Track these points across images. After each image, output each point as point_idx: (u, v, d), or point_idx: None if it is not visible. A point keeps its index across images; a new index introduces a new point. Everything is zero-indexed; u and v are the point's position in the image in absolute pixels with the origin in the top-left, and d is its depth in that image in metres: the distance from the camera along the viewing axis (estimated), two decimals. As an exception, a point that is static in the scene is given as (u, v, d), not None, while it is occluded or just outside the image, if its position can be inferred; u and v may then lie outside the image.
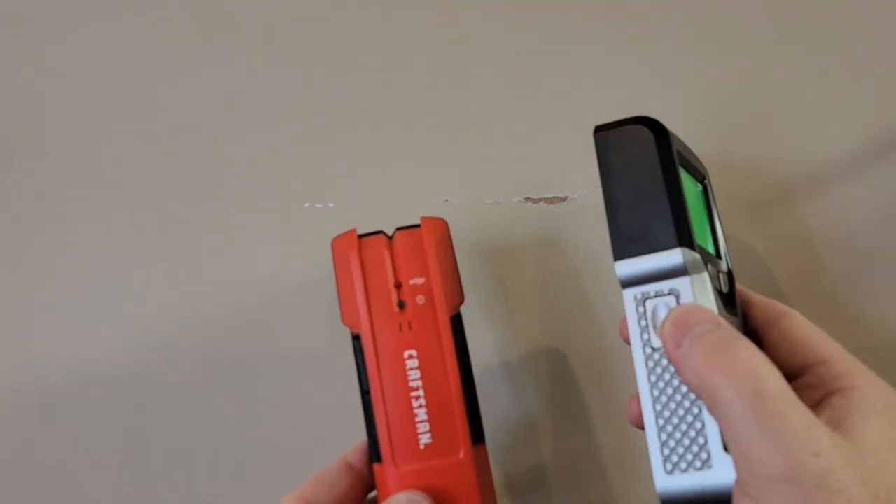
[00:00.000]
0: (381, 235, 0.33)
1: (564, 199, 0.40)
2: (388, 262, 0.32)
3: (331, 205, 0.40)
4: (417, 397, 0.31)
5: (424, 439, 0.31)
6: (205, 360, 0.42)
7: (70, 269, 0.41)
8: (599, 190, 0.39)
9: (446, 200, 0.40)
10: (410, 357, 0.31)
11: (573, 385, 0.41)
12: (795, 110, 0.38)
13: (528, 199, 0.40)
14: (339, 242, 0.33)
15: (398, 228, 0.33)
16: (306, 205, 0.40)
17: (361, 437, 0.32)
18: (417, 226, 0.33)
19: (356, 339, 0.32)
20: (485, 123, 0.39)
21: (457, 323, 0.32)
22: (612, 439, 0.41)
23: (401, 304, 0.32)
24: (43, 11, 0.40)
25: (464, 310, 0.33)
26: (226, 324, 0.41)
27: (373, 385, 0.31)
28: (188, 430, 0.42)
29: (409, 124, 0.40)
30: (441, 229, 0.33)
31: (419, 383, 0.31)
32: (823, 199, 0.38)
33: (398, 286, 0.32)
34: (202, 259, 0.41)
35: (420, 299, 0.32)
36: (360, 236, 0.33)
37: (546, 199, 0.40)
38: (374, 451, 0.31)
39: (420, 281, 0.32)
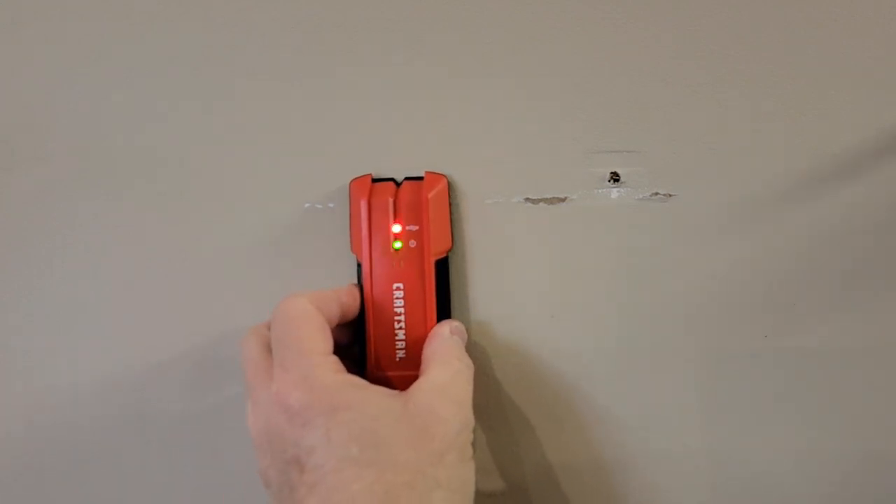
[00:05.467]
0: (390, 183, 0.39)
1: (564, 199, 0.39)
2: (390, 208, 0.38)
3: (331, 205, 0.40)
4: (399, 321, 0.38)
5: (400, 354, 0.38)
6: (204, 360, 0.42)
7: (70, 270, 0.41)
8: (599, 190, 0.39)
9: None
10: (398, 289, 0.38)
11: (572, 385, 0.41)
12: (795, 110, 0.38)
13: (527, 199, 0.40)
14: (355, 184, 0.39)
15: (406, 178, 0.39)
16: (306, 205, 0.40)
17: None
18: (421, 178, 0.39)
19: (360, 266, 0.38)
20: (485, 123, 0.39)
21: (440, 266, 0.38)
22: (606, 440, 0.41)
23: (397, 244, 0.37)
24: (43, 11, 0.40)
25: (461, 307, 0.36)
26: (225, 324, 0.41)
27: (366, 305, 0.38)
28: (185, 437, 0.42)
29: (408, 124, 0.40)
30: (440, 184, 0.38)
31: (402, 310, 0.37)
32: (824, 199, 0.38)
33: (397, 229, 0.37)
34: (202, 259, 0.41)
35: (412, 243, 0.37)
36: (374, 180, 0.38)
37: (546, 199, 0.40)
38: (361, 358, 0.38)
39: (414, 228, 0.37)
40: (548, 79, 0.39)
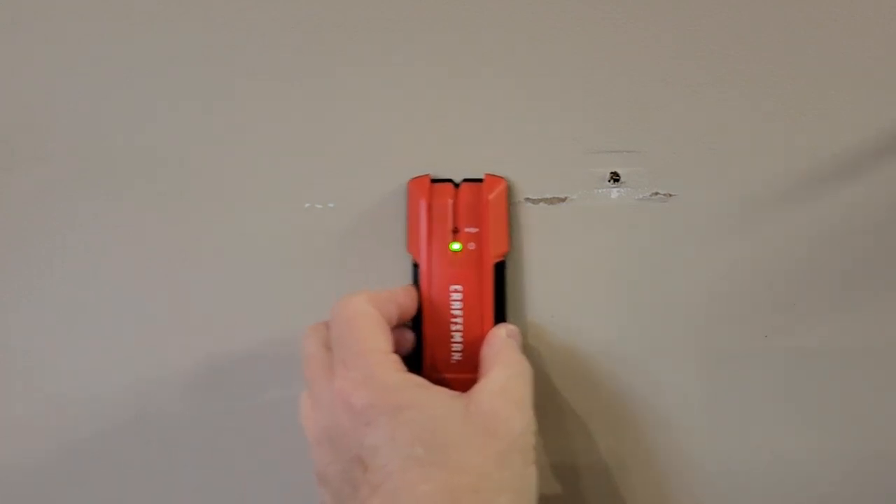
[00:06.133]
0: (449, 184, 0.38)
1: (564, 199, 0.39)
2: (450, 209, 0.37)
3: (331, 205, 0.40)
4: (456, 323, 0.37)
5: (456, 356, 0.37)
6: (203, 360, 0.41)
7: (70, 270, 0.41)
8: (599, 190, 0.39)
9: (446, 200, 0.40)
10: (455, 290, 0.37)
11: (572, 384, 0.41)
12: (795, 110, 0.38)
13: (527, 199, 0.40)
14: (414, 184, 0.38)
15: (465, 180, 0.38)
16: (306, 205, 0.40)
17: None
18: (480, 180, 0.38)
19: (416, 266, 0.38)
20: (485, 123, 0.39)
21: (499, 269, 0.38)
22: (608, 440, 0.41)
23: (455, 246, 0.37)
24: (43, 11, 0.40)
25: (514, 310, 0.38)
26: (225, 323, 0.41)
27: (423, 306, 0.38)
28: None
29: (409, 124, 0.40)
30: (499, 186, 0.38)
31: (460, 312, 0.37)
32: (824, 199, 0.38)
33: (455, 231, 0.37)
34: (202, 259, 0.41)
35: (471, 245, 0.37)
36: (432, 181, 0.38)
37: (546, 199, 0.40)
38: (416, 358, 0.38)
39: (474, 230, 0.37)
40: (548, 79, 0.39)
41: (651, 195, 0.39)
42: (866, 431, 0.40)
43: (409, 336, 0.38)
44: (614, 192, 0.39)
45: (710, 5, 0.38)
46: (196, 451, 0.42)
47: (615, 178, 0.39)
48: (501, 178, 0.38)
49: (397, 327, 0.36)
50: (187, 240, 0.41)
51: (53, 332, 0.42)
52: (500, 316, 0.38)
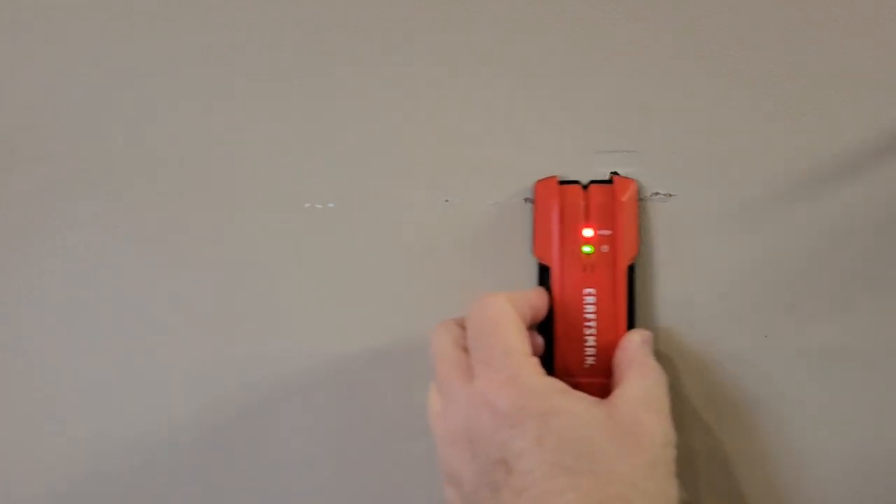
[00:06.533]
0: (577, 186, 0.38)
1: (564, 199, 0.39)
2: (582, 211, 0.37)
3: (331, 205, 0.40)
4: (590, 327, 0.37)
5: (589, 360, 0.37)
6: (202, 360, 0.41)
7: (69, 270, 0.41)
8: (599, 190, 0.38)
9: (446, 201, 0.40)
10: (589, 294, 0.37)
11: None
12: (795, 110, 0.38)
13: (527, 199, 0.40)
14: (542, 186, 0.38)
15: (592, 181, 0.38)
16: (306, 205, 0.40)
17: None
18: (609, 181, 0.38)
19: (545, 269, 0.37)
20: (485, 123, 0.39)
21: (630, 272, 0.37)
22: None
23: (587, 249, 0.37)
24: (43, 11, 0.40)
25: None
26: (224, 323, 0.41)
27: (555, 310, 0.37)
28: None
29: (409, 124, 0.40)
30: (632, 189, 0.38)
31: (594, 317, 0.37)
32: (824, 199, 0.38)
33: (588, 233, 0.37)
34: (202, 259, 0.41)
35: (605, 248, 0.37)
36: (560, 182, 0.38)
37: (546, 199, 0.39)
38: (547, 363, 0.37)
39: (607, 232, 0.37)
40: (548, 79, 0.39)
41: (651, 195, 0.39)
42: (867, 432, 0.40)
43: (539, 340, 0.37)
44: (614, 192, 0.39)
45: (710, 5, 0.38)
46: (196, 453, 0.42)
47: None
48: (631, 179, 0.38)
49: (528, 330, 0.36)
50: (187, 240, 0.41)
51: (53, 332, 0.42)
52: (630, 321, 0.37)
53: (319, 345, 0.41)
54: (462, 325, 0.36)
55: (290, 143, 0.40)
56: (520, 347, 0.33)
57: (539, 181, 0.38)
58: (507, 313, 0.33)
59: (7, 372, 0.42)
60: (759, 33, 0.38)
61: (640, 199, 0.38)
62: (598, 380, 0.37)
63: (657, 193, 0.39)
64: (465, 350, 0.34)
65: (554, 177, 0.38)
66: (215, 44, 0.40)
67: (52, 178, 0.41)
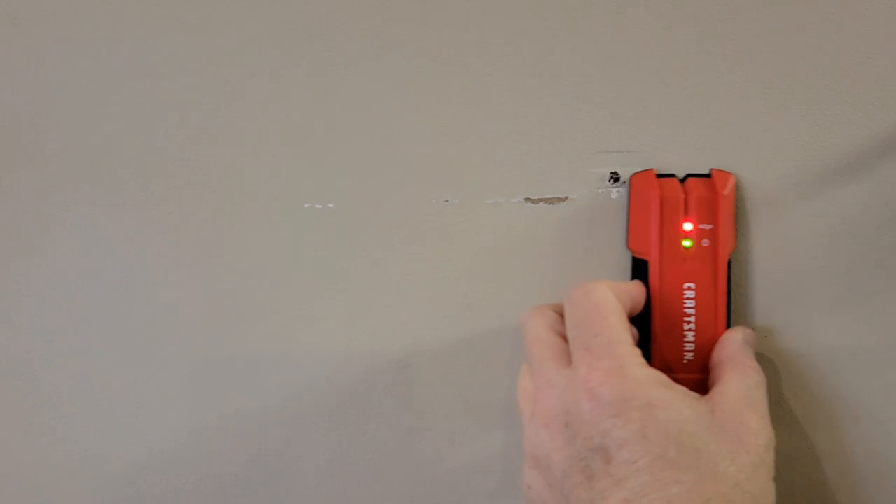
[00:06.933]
0: (675, 179, 0.37)
1: (564, 199, 0.39)
2: (682, 204, 0.36)
3: (331, 205, 0.40)
4: (689, 322, 0.36)
5: (688, 356, 0.37)
6: (201, 361, 0.41)
7: (70, 271, 0.41)
8: (599, 190, 0.39)
9: (446, 201, 0.40)
10: (689, 289, 0.36)
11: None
12: (795, 109, 0.38)
13: (528, 199, 0.40)
14: (639, 178, 0.38)
15: (689, 175, 0.37)
16: (306, 205, 0.40)
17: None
18: (706, 175, 0.37)
19: (642, 263, 0.37)
20: (485, 123, 0.39)
21: (729, 267, 0.37)
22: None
23: (687, 243, 0.36)
24: (43, 11, 0.40)
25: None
26: (224, 323, 0.41)
27: (653, 304, 0.37)
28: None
29: (409, 124, 0.40)
30: (731, 183, 0.37)
31: (692, 311, 0.36)
32: (824, 199, 0.38)
33: (688, 227, 0.36)
34: (202, 260, 0.41)
35: (705, 242, 0.36)
36: (657, 175, 0.37)
37: (546, 199, 0.40)
38: (644, 357, 0.35)
39: (708, 226, 0.36)
40: (547, 79, 0.39)
41: (651, 195, 0.39)
42: (867, 432, 0.40)
43: (634, 332, 0.37)
44: (614, 192, 0.39)
45: (710, 5, 0.38)
46: (195, 453, 0.42)
47: (615, 178, 0.39)
48: (729, 173, 0.38)
49: None
50: (186, 240, 0.41)
51: (53, 332, 0.42)
52: (729, 315, 0.37)
53: (319, 345, 0.41)
54: (557, 311, 0.36)
55: (290, 143, 0.40)
56: (625, 337, 0.33)
57: (635, 174, 0.38)
58: (611, 301, 0.33)
59: (6, 372, 0.42)
60: (760, 33, 0.38)
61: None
62: (695, 376, 0.36)
63: (657, 193, 0.39)
64: (560, 335, 0.34)
65: (651, 169, 0.38)
66: (215, 43, 0.40)
67: (51, 177, 0.41)
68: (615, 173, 0.39)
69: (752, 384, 0.33)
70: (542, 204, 0.40)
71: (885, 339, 0.39)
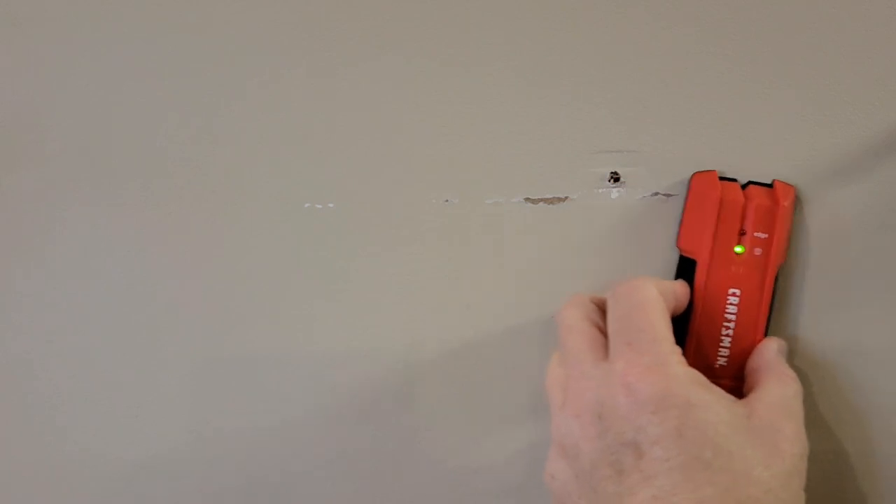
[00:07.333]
0: (736, 184, 0.37)
1: (564, 199, 0.39)
2: (741, 210, 0.36)
3: (331, 205, 0.40)
4: (728, 328, 0.36)
5: (721, 361, 0.37)
6: (201, 361, 0.41)
7: (70, 271, 0.41)
8: (599, 190, 0.39)
9: (446, 201, 0.40)
10: (733, 294, 0.36)
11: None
12: (795, 110, 0.38)
13: (528, 199, 0.40)
14: (700, 178, 0.37)
15: (751, 182, 0.37)
16: (306, 205, 0.40)
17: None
18: (768, 185, 0.37)
19: (689, 263, 0.37)
20: (485, 123, 0.39)
21: (777, 279, 0.37)
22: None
23: (739, 249, 0.36)
24: (43, 11, 0.40)
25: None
26: (224, 323, 0.41)
27: (695, 305, 0.37)
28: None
29: (409, 124, 0.40)
30: (792, 195, 0.37)
31: (733, 317, 0.36)
32: (824, 199, 0.38)
33: (742, 233, 0.36)
34: (201, 260, 0.41)
35: (757, 251, 0.36)
36: (720, 178, 0.37)
37: (546, 199, 0.40)
38: None
39: (763, 236, 0.36)
40: (547, 79, 0.39)
41: (651, 195, 0.39)
42: (866, 432, 0.40)
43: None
44: (614, 191, 0.39)
45: (710, 5, 0.38)
46: (195, 451, 0.42)
47: (615, 178, 0.39)
48: (791, 185, 0.37)
49: None
50: (186, 240, 0.41)
51: (54, 332, 0.42)
52: (768, 326, 0.37)
53: (319, 345, 0.41)
54: (597, 303, 0.36)
55: (290, 143, 0.40)
56: (667, 335, 0.33)
57: (697, 173, 0.38)
58: (656, 299, 0.33)
59: (6, 372, 0.42)
60: (760, 33, 0.38)
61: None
62: (726, 381, 0.36)
63: (657, 193, 0.39)
64: (598, 327, 0.34)
65: (713, 171, 0.37)
66: (215, 43, 0.40)
67: (51, 178, 0.41)
68: (615, 173, 0.39)
69: (791, 393, 0.34)
70: (541, 204, 0.40)
71: (887, 339, 0.39)
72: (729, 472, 0.29)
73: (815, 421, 0.39)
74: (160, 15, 0.39)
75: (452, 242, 0.40)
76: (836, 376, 0.39)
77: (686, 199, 0.38)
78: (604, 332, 0.34)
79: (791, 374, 0.35)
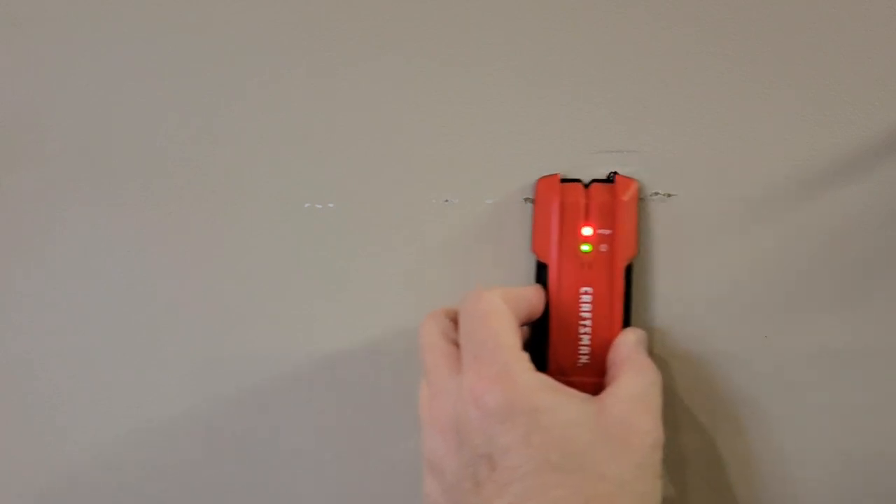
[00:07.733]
0: (579, 184, 0.38)
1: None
2: (582, 210, 0.37)
3: (331, 205, 0.40)
4: (585, 326, 0.37)
5: (583, 359, 0.37)
6: (201, 360, 0.42)
7: (70, 271, 0.41)
8: (599, 190, 0.38)
9: (446, 201, 0.40)
10: (585, 293, 0.37)
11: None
12: (795, 110, 0.38)
13: (527, 199, 0.40)
14: (544, 183, 0.38)
15: (594, 180, 0.38)
16: (306, 205, 0.40)
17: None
18: (610, 180, 0.38)
19: (543, 267, 0.38)
20: (485, 123, 0.39)
21: (628, 272, 0.37)
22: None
23: (586, 248, 0.37)
24: (43, 11, 0.40)
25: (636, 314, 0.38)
26: (224, 323, 0.41)
27: (550, 308, 0.37)
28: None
29: (409, 124, 0.40)
30: (633, 188, 0.38)
31: (589, 315, 0.37)
32: (824, 199, 0.38)
33: (588, 232, 0.37)
34: (201, 260, 0.41)
35: (603, 247, 0.37)
36: (562, 181, 0.38)
37: (546, 199, 0.39)
38: (541, 361, 0.37)
39: (607, 232, 0.37)
40: (547, 79, 0.39)
41: (651, 195, 0.39)
42: (866, 432, 0.40)
43: (525, 336, 0.37)
44: (614, 192, 0.39)
45: (710, 5, 0.38)
46: (195, 451, 0.42)
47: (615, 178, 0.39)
48: (633, 179, 0.38)
49: (521, 326, 0.36)
50: (186, 240, 0.41)
51: (54, 332, 0.42)
52: (626, 321, 0.37)
53: (319, 344, 0.41)
54: (451, 317, 0.36)
55: (290, 143, 0.40)
56: (511, 343, 0.33)
57: (541, 178, 0.38)
58: (499, 308, 0.33)
59: (6, 372, 0.42)
60: (759, 33, 0.38)
61: (640, 199, 0.38)
62: (590, 379, 0.37)
63: (657, 193, 0.39)
64: (454, 342, 0.34)
65: (556, 174, 0.38)
66: (215, 43, 0.40)
67: (51, 178, 0.41)
68: (615, 173, 0.39)
69: (648, 382, 0.34)
70: (542, 204, 0.40)
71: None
72: (579, 471, 0.29)
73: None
74: (160, 15, 0.39)
75: (452, 242, 0.40)
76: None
77: (533, 205, 0.38)
78: (458, 346, 0.34)
79: (648, 363, 0.35)
